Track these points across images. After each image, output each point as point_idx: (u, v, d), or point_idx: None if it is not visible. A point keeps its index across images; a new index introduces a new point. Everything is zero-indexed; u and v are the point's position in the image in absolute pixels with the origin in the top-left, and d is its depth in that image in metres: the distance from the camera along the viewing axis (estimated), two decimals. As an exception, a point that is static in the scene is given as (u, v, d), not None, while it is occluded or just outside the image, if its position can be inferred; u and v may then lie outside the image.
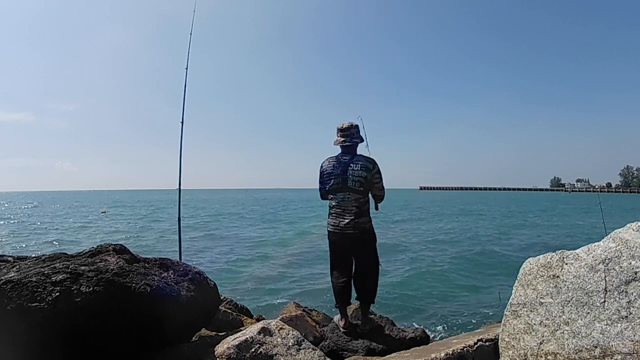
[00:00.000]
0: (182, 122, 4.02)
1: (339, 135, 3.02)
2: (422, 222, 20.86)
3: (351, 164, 2.90)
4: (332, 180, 2.94)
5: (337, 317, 3.12)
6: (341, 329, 2.99)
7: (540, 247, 11.97)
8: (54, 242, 14.11)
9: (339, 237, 2.93)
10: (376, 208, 3.07)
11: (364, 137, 3.07)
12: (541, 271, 2.04)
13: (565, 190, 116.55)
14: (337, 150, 3.05)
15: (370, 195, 2.98)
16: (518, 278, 2.15)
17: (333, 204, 2.97)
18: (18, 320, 1.84)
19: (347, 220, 2.88)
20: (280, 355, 1.97)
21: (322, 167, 3.05)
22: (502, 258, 10.42)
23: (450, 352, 2.13)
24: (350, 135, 2.99)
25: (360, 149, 3.07)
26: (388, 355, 2.56)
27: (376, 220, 3.05)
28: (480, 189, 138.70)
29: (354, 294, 3.07)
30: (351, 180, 2.88)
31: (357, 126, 3.05)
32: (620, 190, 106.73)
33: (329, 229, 3.00)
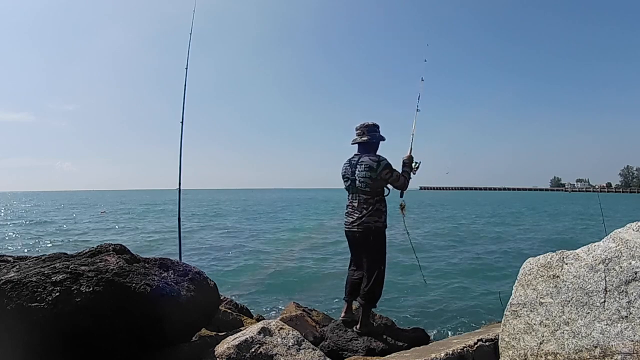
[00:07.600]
0: (182, 122, 4.02)
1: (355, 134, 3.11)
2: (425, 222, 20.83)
3: (357, 166, 2.95)
4: (346, 182, 3.05)
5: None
6: (340, 318, 3.12)
7: (540, 247, 11.95)
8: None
9: (349, 235, 3.06)
10: (401, 195, 3.16)
11: (381, 136, 3.05)
12: (541, 271, 2.04)
13: (565, 190, 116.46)
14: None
15: (384, 195, 3.02)
16: (518, 278, 2.15)
17: (347, 203, 3.08)
18: (18, 320, 1.84)
19: (355, 219, 2.95)
20: (280, 355, 1.97)
21: (341, 169, 3.13)
22: (502, 258, 10.41)
23: (450, 352, 2.13)
24: (361, 134, 3.02)
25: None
26: (388, 355, 2.56)
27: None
28: (481, 189, 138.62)
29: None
30: (359, 181, 2.93)
31: (371, 125, 3.01)
32: (620, 190, 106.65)
33: (343, 227, 3.11)
